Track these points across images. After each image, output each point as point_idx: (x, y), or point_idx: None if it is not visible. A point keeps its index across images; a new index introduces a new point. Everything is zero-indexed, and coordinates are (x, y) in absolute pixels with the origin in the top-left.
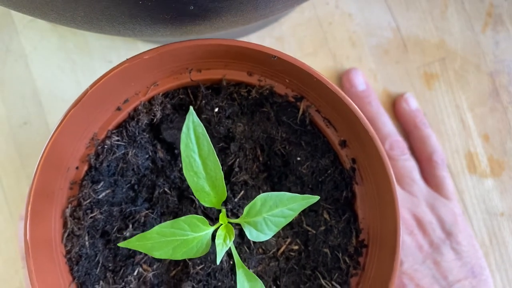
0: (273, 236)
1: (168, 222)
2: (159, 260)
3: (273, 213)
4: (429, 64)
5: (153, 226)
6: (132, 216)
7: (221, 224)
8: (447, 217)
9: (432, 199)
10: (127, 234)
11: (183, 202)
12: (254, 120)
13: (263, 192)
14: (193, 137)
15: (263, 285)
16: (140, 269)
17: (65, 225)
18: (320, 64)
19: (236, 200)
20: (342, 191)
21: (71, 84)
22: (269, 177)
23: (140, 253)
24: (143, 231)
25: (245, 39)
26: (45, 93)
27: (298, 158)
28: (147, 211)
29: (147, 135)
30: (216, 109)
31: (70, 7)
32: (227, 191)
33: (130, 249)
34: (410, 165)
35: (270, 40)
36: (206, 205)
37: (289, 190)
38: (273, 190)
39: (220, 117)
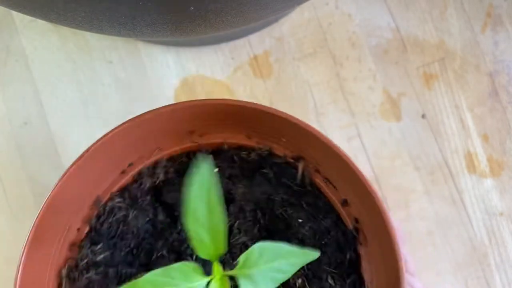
0: None
1: (160, 269)
2: None
3: (271, 266)
4: (428, 64)
5: None
6: (128, 279)
7: (215, 277)
8: None
9: None
10: None
11: None
12: (254, 182)
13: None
14: (205, 184)
15: None
16: None
17: (59, 286)
18: (320, 65)
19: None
20: (346, 253)
21: (72, 84)
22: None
23: None
24: None
25: (245, 39)
26: (45, 93)
27: (300, 220)
28: (143, 273)
29: (149, 198)
30: (216, 170)
31: (71, 7)
32: (227, 253)
33: None
34: None
35: (270, 40)
36: (202, 256)
37: None
38: None
39: (220, 178)
